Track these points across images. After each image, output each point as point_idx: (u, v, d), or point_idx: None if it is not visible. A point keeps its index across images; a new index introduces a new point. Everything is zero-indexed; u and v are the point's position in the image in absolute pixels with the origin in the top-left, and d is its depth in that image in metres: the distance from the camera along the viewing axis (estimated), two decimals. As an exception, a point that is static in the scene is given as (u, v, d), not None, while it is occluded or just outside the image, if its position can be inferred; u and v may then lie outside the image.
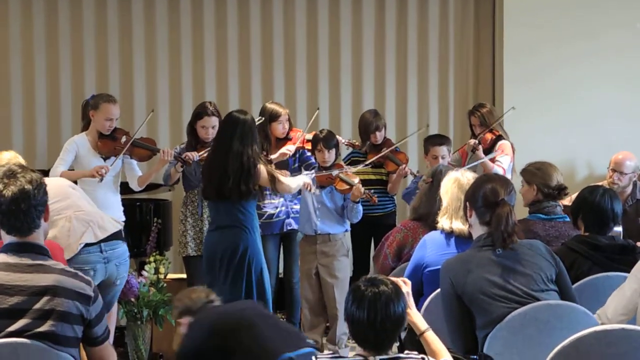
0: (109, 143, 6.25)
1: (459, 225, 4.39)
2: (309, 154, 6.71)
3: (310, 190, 6.25)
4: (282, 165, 6.50)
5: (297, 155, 6.71)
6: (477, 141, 6.79)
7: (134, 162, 6.43)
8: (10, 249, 3.17)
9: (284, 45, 8.11)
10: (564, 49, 8.00)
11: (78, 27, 7.92)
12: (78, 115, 6.68)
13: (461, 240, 4.33)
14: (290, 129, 6.76)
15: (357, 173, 6.56)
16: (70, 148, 6.23)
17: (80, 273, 3.24)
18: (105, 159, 6.25)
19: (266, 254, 6.45)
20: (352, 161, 6.93)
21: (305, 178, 6.13)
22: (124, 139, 6.24)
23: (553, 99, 7.99)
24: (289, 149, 6.54)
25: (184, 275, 6.66)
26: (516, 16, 7.99)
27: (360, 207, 6.38)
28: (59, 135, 7.80)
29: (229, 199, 5.55)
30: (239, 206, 5.56)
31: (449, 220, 4.46)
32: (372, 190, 6.48)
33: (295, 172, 6.64)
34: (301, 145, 6.67)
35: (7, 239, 3.19)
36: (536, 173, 5.24)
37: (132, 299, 6.11)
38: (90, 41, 7.94)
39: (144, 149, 6.37)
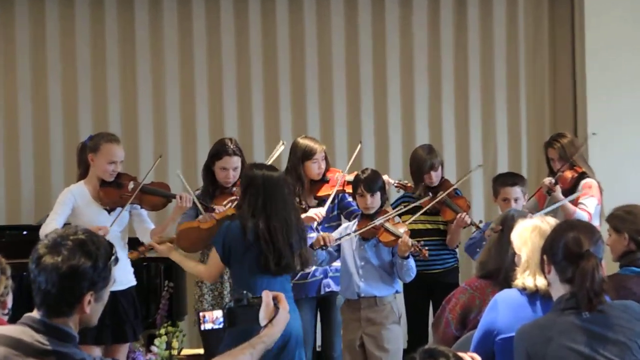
0: (113, 192, 5.84)
1: (545, 283, 3.96)
2: (350, 198, 6.30)
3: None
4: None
5: (337, 201, 6.29)
6: (553, 180, 6.41)
7: (144, 212, 5.99)
8: (30, 322, 2.89)
9: (319, 70, 7.92)
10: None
11: (71, 57, 7.80)
12: (71, 161, 6.61)
13: (549, 301, 3.90)
14: (328, 169, 6.35)
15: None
16: (66, 200, 5.84)
17: None
18: (109, 211, 5.84)
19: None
20: (404, 208, 6.38)
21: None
22: (131, 185, 5.86)
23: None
24: (318, 213, 6.07)
25: (202, 351, 6.21)
26: (599, 13, 7.62)
27: (413, 263, 5.88)
28: (48, 186, 7.67)
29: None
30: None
31: (531, 277, 4.03)
32: (425, 243, 5.99)
33: (333, 220, 6.32)
34: (341, 188, 6.25)
35: (35, 311, 2.96)
36: (626, 218, 4.90)
37: (140, 381, 6.11)
38: (84, 74, 7.81)
39: (157, 196, 5.93)
